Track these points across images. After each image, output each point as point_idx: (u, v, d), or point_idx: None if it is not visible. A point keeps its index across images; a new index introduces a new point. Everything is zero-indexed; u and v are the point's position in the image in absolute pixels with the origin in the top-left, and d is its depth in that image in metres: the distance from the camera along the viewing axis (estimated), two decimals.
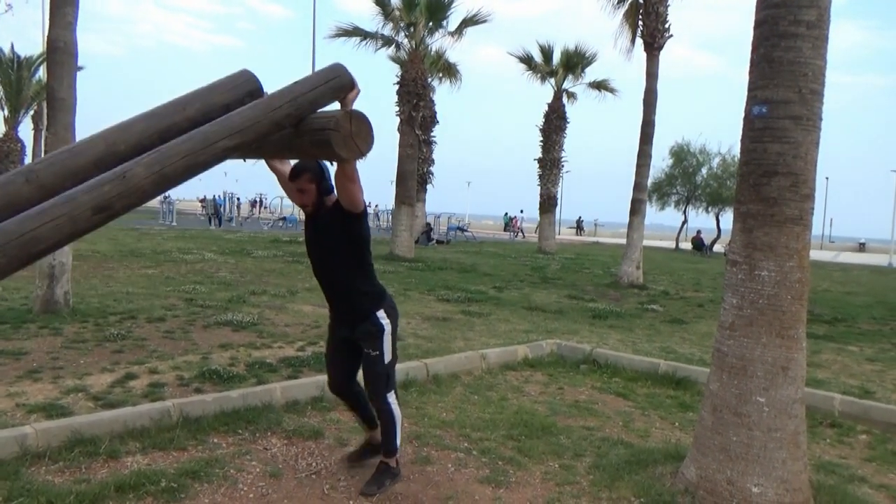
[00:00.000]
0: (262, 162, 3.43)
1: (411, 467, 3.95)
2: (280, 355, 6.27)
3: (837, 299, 14.45)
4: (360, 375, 3.73)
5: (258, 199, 50.56)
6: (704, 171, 33.04)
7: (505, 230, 42.97)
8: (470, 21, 19.47)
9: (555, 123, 25.81)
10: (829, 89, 3.58)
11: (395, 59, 22.02)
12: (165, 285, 10.28)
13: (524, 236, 39.79)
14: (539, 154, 26.19)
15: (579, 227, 53.88)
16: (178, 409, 4.33)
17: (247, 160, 2.96)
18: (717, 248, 32.67)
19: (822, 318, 10.99)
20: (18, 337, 6.47)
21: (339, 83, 2.69)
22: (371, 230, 3.87)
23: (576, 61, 25.08)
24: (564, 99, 26.02)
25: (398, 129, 19.04)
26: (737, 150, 4.68)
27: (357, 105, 2.79)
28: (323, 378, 4.03)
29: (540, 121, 26.14)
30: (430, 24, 18.94)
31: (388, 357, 3.55)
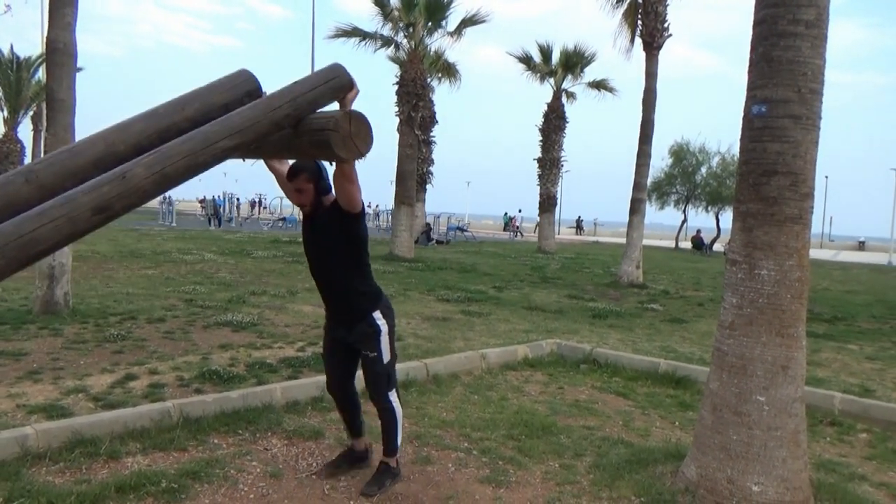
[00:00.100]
0: (261, 162, 3.43)
1: (412, 467, 3.95)
2: (280, 356, 6.27)
3: (837, 298, 14.46)
4: (360, 379, 3.73)
5: (258, 200, 50.57)
6: (704, 170, 33.09)
7: (505, 230, 42.99)
8: (469, 21, 19.48)
9: (554, 123, 25.81)
10: (828, 88, 3.59)
11: (395, 60, 22.03)
12: (165, 286, 10.28)
13: (522, 235, 39.82)
14: (538, 154, 26.20)
15: (579, 226, 53.91)
16: (178, 410, 4.33)
17: (246, 160, 2.96)
18: (717, 247, 32.69)
19: (822, 317, 10.99)
20: (18, 338, 6.47)
21: (338, 83, 2.69)
22: (371, 230, 3.87)
23: (575, 61, 25.08)
24: (564, 99, 26.03)
25: (397, 129, 19.04)
26: (736, 150, 4.68)
27: (356, 105, 2.79)
28: (323, 378, 4.03)
29: (539, 120, 26.17)
30: (429, 24, 18.94)
31: (386, 357, 3.55)
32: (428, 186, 28.10)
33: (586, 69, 25.46)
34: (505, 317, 9.37)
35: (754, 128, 3.59)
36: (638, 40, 15.79)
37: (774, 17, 3.51)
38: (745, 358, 3.56)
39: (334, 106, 2.75)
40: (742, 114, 3.69)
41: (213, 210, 32.35)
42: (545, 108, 26.10)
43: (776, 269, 3.50)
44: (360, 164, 3.18)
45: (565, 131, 26.21)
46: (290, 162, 3.41)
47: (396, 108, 19.15)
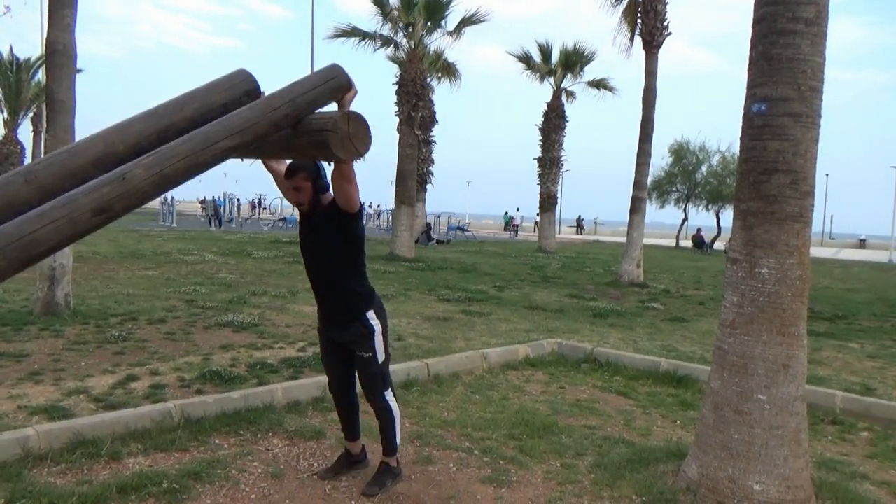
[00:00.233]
0: (261, 162, 3.43)
1: (413, 467, 3.95)
2: (281, 356, 6.27)
3: (838, 296, 14.45)
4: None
5: (258, 200, 50.58)
6: (704, 168, 33.10)
7: (505, 229, 43.01)
8: (468, 21, 19.47)
9: (554, 122, 25.81)
10: (828, 86, 3.58)
11: (394, 60, 22.03)
12: (166, 287, 10.28)
13: (517, 234, 39.84)
14: (539, 153, 26.20)
15: (579, 225, 53.91)
16: (179, 411, 4.34)
17: (245, 160, 2.97)
18: (718, 245, 32.69)
19: (823, 316, 10.99)
20: (19, 339, 6.47)
21: (336, 84, 2.69)
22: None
23: (574, 60, 25.08)
24: (563, 98, 26.03)
25: (397, 129, 19.04)
26: (736, 148, 4.68)
27: (357, 105, 2.79)
28: (324, 379, 4.04)
29: (539, 120, 26.18)
30: (429, 23, 18.93)
31: (381, 357, 3.55)
32: (428, 186, 28.11)
33: (586, 68, 25.49)
34: (506, 316, 9.37)
35: (754, 126, 3.58)
36: (638, 39, 15.79)
37: (774, 14, 3.51)
38: (746, 357, 3.56)
39: (333, 106, 2.76)
40: (742, 112, 3.69)
41: (214, 211, 32.37)
42: (545, 107, 26.11)
43: (777, 267, 3.50)
44: (360, 164, 3.19)
45: (565, 130, 26.22)
46: (288, 161, 3.41)
47: (396, 108, 19.16)
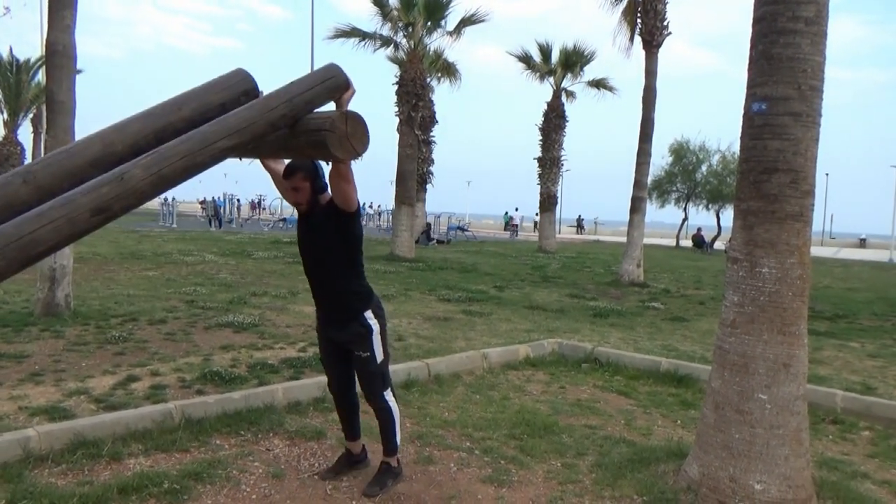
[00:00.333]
0: (259, 162, 3.43)
1: (414, 467, 3.95)
2: (281, 356, 6.27)
3: (838, 295, 14.45)
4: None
5: (258, 201, 50.57)
6: (704, 168, 33.10)
7: (505, 229, 43.02)
8: (468, 20, 19.47)
9: (554, 122, 25.80)
10: (828, 85, 3.58)
11: (394, 60, 22.03)
12: (166, 287, 10.29)
13: (517, 234, 39.85)
14: (539, 153, 26.19)
15: (579, 225, 53.91)
16: (180, 411, 4.33)
17: (243, 160, 2.97)
18: (718, 245, 32.68)
19: (824, 315, 10.98)
20: (20, 340, 6.47)
21: (334, 83, 2.69)
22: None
23: (574, 60, 25.07)
24: (563, 98, 26.01)
25: (397, 129, 19.04)
26: (736, 147, 4.68)
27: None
28: (324, 379, 4.04)
29: (539, 120, 26.17)
30: (429, 23, 18.93)
31: (379, 356, 3.55)
32: (428, 186, 28.09)
33: (586, 68, 25.47)
34: (506, 316, 9.37)
35: (754, 125, 3.58)
36: (637, 38, 15.79)
37: (774, 14, 3.50)
38: (746, 356, 3.56)
39: (331, 106, 2.75)
40: (742, 111, 3.69)
41: (214, 211, 32.37)
42: (545, 107, 26.10)
43: (777, 266, 3.50)
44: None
45: (565, 130, 26.21)
46: (286, 161, 3.41)
47: (396, 108, 19.16)
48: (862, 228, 64.56)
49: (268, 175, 3.57)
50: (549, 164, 26.00)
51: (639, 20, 15.63)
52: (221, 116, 2.35)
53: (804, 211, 3.52)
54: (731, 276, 3.70)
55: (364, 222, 37.42)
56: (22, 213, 1.94)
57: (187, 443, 4.06)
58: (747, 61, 3.66)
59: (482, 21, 19.56)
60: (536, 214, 28.49)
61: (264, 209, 48.85)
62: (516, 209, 43.91)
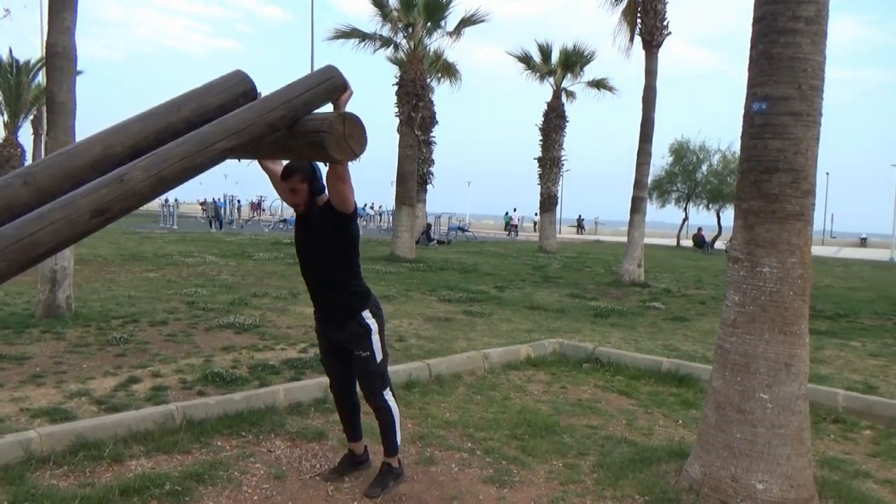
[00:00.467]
0: (257, 163, 3.44)
1: (415, 468, 3.95)
2: (282, 357, 6.27)
3: (839, 295, 14.44)
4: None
5: (258, 202, 50.56)
6: (704, 168, 33.10)
7: (505, 230, 43.02)
8: (468, 21, 19.46)
9: (554, 122, 25.79)
10: (828, 85, 3.58)
11: (394, 60, 22.03)
12: (167, 289, 10.29)
13: (517, 234, 39.87)
14: (539, 153, 26.19)
15: (580, 225, 53.89)
16: (181, 413, 4.33)
17: (242, 161, 2.97)
18: (719, 244, 32.65)
19: (825, 314, 10.97)
20: (21, 342, 6.47)
21: (332, 85, 2.70)
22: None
23: (574, 60, 25.06)
24: (563, 98, 26.01)
25: (398, 129, 19.04)
26: (737, 147, 4.68)
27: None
28: (326, 380, 4.04)
29: (539, 120, 26.16)
30: (429, 24, 18.92)
31: (378, 356, 3.56)
32: (428, 187, 28.10)
33: (586, 68, 25.45)
34: (507, 316, 9.37)
35: (755, 125, 3.58)
36: (637, 38, 15.78)
37: (774, 13, 3.50)
38: (748, 355, 3.55)
39: (329, 108, 2.76)
40: (742, 111, 3.69)
41: (214, 212, 32.36)
42: (545, 107, 26.09)
43: (778, 266, 3.49)
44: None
45: (565, 130, 26.20)
46: (284, 162, 3.42)
47: (396, 109, 19.15)
48: (863, 228, 64.53)
49: (266, 176, 3.58)
50: (550, 164, 25.99)
51: (639, 20, 15.63)
52: (220, 118, 2.35)
53: (805, 210, 3.52)
54: (732, 275, 3.70)
55: (364, 223, 37.47)
56: (22, 214, 1.94)
57: (189, 444, 4.06)
58: (747, 61, 3.66)
59: (482, 21, 19.57)
60: (536, 214, 28.47)
61: (263, 210, 48.86)
62: (514, 209, 43.94)
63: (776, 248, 3.50)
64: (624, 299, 12.13)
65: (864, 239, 51.51)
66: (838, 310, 11.63)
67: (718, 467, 3.58)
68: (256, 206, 47.82)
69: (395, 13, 18.70)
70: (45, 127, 8.93)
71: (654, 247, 28.41)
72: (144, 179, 2.07)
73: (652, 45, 15.13)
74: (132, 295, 9.48)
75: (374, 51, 19.81)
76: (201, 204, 43.36)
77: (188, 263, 13.93)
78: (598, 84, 25.57)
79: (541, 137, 26.09)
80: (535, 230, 38.04)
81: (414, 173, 19.41)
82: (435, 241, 26.12)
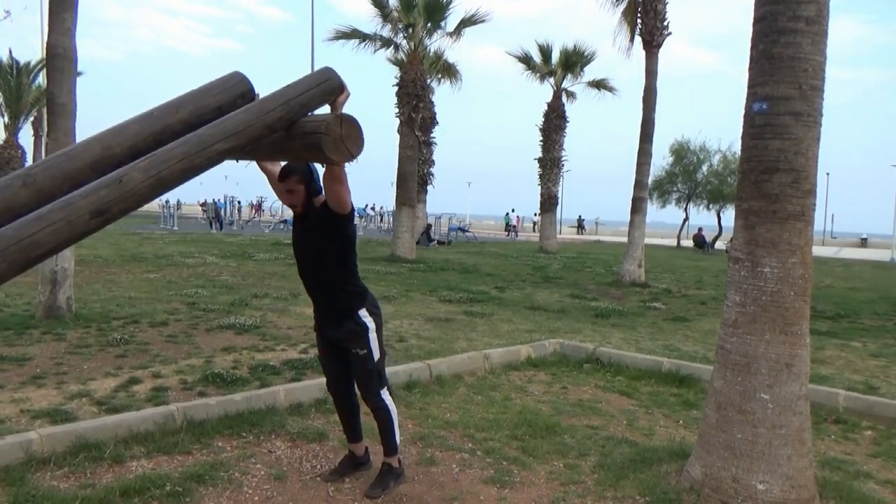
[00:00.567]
0: (255, 163, 3.46)
1: (416, 468, 3.94)
2: (283, 358, 6.27)
3: (840, 295, 14.43)
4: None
5: (258, 203, 50.54)
6: (705, 168, 33.09)
7: (505, 230, 43.03)
8: (468, 21, 19.47)
9: (554, 123, 25.80)
10: (828, 85, 3.58)
11: (394, 61, 22.03)
12: (168, 289, 10.29)
13: (516, 235, 39.88)
14: (539, 154, 26.19)
15: (580, 226, 53.88)
16: (182, 413, 4.33)
17: (239, 161, 2.99)
18: (719, 245, 32.65)
19: (825, 315, 10.97)
20: (22, 343, 6.47)
21: (329, 86, 2.71)
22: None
23: (574, 60, 25.06)
24: (564, 98, 26.01)
25: (398, 130, 19.04)
26: (737, 147, 4.67)
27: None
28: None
29: (540, 120, 26.16)
30: (429, 24, 18.93)
31: (376, 354, 3.57)
32: (429, 187, 28.11)
33: (586, 68, 25.47)
34: (507, 317, 9.37)
35: (755, 125, 3.58)
36: (638, 39, 15.78)
37: (775, 13, 3.50)
38: (748, 356, 3.55)
39: (326, 109, 2.77)
40: (743, 111, 3.69)
41: (215, 213, 32.37)
42: (545, 107, 26.10)
43: (779, 266, 3.49)
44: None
45: (566, 131, 26.21)
46: (282, 163, 3.44)
47: (396, 110, 19.16)
48: (863, 228, 64.53)
49: (265, 177, 3.60)
50: (550, 164, 25.99)
51: (639, 20, 15.63)
52: (218, 119, 2.36)
53: (805, 210, 3.51)
54: (732, 275, 3.69)
55: (365, 223, 37.47)
56: (22, 215, 1.95)
57: (189, 445, 4.05)
58: (748, 61, 3.66)
59: (482, 21, 19.57)
60: (535, 215, 28.45)
61: (262, 211, 48.87)
62: (512, 210, 43.96)
63: (777, 248, 3.49)
64: (624, 299, 12.12)
65: (865, 239, 51.48)
66: (839, 310, 11.62)
67: (719, 468, 3.58)
68: (257, 207, 47.87)
69: (395, 14, 18.71)
70: (45, 128, 8.93)
71: (654, 247, 28.40)
72: (143, 180, 2.08)
73: (652, 45, 15.13)
74: (132, 296, 9.48)
75: (375, 51, 19.84)
76: (202, 205, 43.36)
77: (188, 264, 13.93)
78: (599, 84, 25.57)
79: (541, 138, 26.09)
80: (534, 230, 38.02)
81: (414, 174, 19.41)
82: (435, 242, 26.12)
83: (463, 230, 34.04)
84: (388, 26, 19.12)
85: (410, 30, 18.97)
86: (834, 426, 5.13)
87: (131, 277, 11.60)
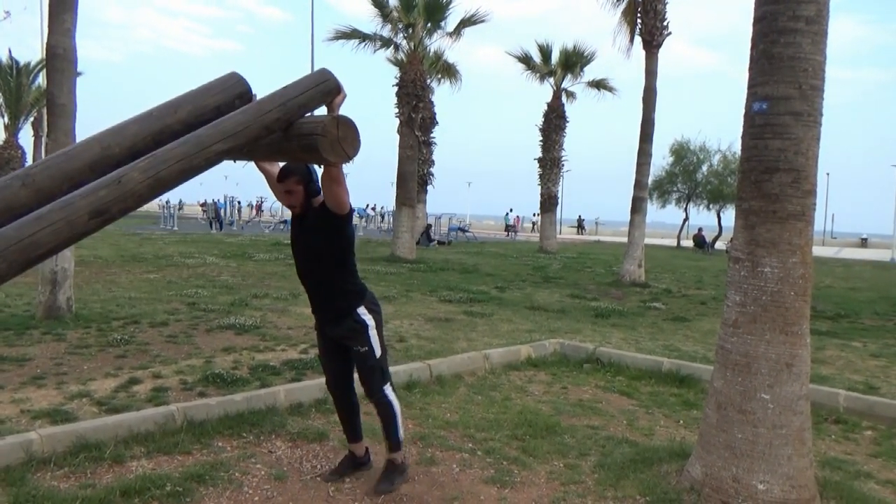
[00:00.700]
0: (253, 164, 3.47)
1: (416, 468, 3.94)
2: (283, 358, 6.27)
3: (840, 295, 14.43)
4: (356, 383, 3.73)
5: (258, 203, 50.55)
6: (705, 168, 33.10)
7: (506, 230, 43.04)
8: (468, 21, 19.47)
9: (554, 123, 25.79)
10: (828, 85, 3.58)
11: (394, 61, 22.04)
12: (168, 290, 10.29)
13: (516, 235, 39.90)
14: (539, 154, 26.19)
15: (580, 226, 53.88)
16: (182, 414, 4.33)
17: (237, 162, 3.00)
18: (719, 245, 32.65)
19: (826, 315, 10.96)
20: (22, 343, 6.47)
21: (326, 88, 2.73)
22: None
23: (574, 60, 25.06)
24: (564, 98, 26.01)
25: (398, 130, 19.04)
26: (737, 147, 4.67)
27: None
28: None
29: (539, 120, 26.16)
30: (429, 24, 18.93)
31: (377, 351, 3.58)
32: (429, 187, 28.10)
33: (586, 68, 25.47)
34: (507, 317, 9.37)
35: (755, 125, 3.58)
36: (638, 39, 15.78)
37: (774, 13, 3.50)
38: (749, 356, 3.55)
39: (323, 111, 2.78)
40: (743, 111, 3.68)
41: (215, 213, 32.38)
42: (545, 107, 26.09)
43: (779, 266, 3.49)
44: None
45: (566, 131, 26.20)
46: (281, 164, 3.45)
47: (396, 110, 19.16)
48: (863, 228, 64.55)
49: (263, 177, 3.62)
50: (550, 164, 25.99)
51: (639, 20, 15.63)
52: (217, 120, 2.37)
53: (806, 210, 3.51)
54: (733, 275, 3.69)
55: (364, 224, 37.45)
56: (21, 216, 1.95)
57: (189, 445, 4.05)
58: (748, 61, 3.66)
59: (482, 21, 19.58)
60: (534, 215, 28.44)
61: (262, 212, 48.87)
62: (510, 210, 43.96)
63: (777, 248, 3.49)
64: (624, 299, 12.12)
65: (865, 239, 51.48)
66: (839, 310, 11.62)
67: (720, 468, 3.58)
68: (257, 208, 47.87)
69: (395, 14, 18.71)
70: (45, 129, 8.94)
71: (654, 247, 28.40)
72: (142, 181, 2.08)
73: (652, 45, 15.13)
74: (133, 296, 9.48)
75: (374, 51, 19.85)
76: (202, 205, 43.37)
77: (188, 264, 13.93)
78: (599, 84, 25.57)
79: (541, 138, 26.09)
80: (533, 230, 37.96)
81: (414, 174, 19.41)
82: (435, 242, 26.12)
83: (463, 230, 34.03)
84: (388, 26, 19.13)
85: (410, 30, 18.97)
86: (834, 426, 5.13)
87: (131, 278, 11.60)
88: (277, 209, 45.22)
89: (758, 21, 3.61)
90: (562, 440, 4.50)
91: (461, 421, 4.80)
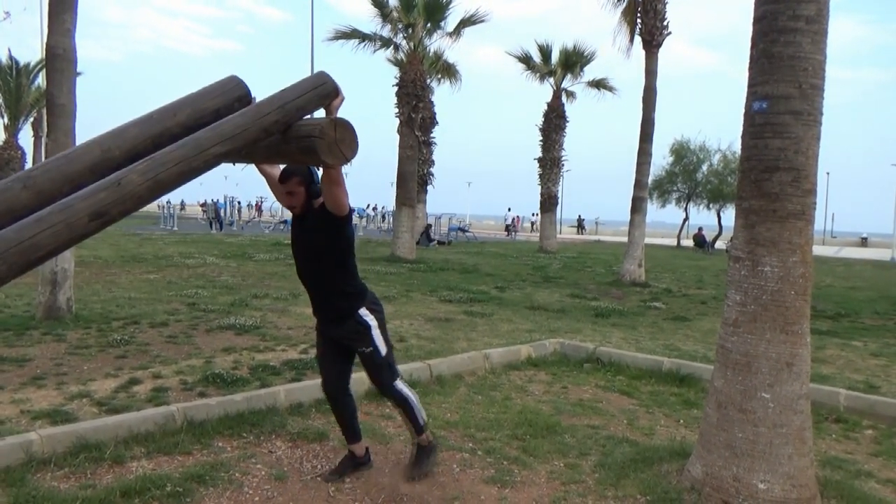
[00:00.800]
0: (254, 166, 3.48)
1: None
2: (283, 358, 6.27)
3: (840, 294, 14.43)
4: (359, 382, 3.73)
5: (258, 203, 50.54)
6: (705, 167, 33.10)
7: (506, 230, 43.05)
8: (468, 21, 19.48)
9: (554, 122, 25.80)
10: (828, 84, 3.58)
11: (394, 61, 22.04)
12: (168, 290, 10.29)
13: (516, 235, 39.92)
14: (539, 153, 26.19)
15: (580, 225, 53.88)
16: (182, 414, 4.33)
17: (236, 164, 3.00)
18: (719, 244, 32.65)
19: (826, 314, 10.96)
20: (22, 344, 6.47)
21: (324, 90, 2.74)
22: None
23: (574, 60, 25.07)
24: (564, 98, 26.01)
25: (398, 130, 19.04)
26: (737, 147, 4.68)
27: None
28: None
29: (539, 120, 26.17)
30: (429, 24, 18.93)
31: (383, 349, 3.60)
32: (429, 187, 28.11)
33: (586, 68, 25.48)
34: (507, 317, 9.37)
35: (755, 124, 3.58)
36: (638, 38, 15.78)
37: (775, 13, 3.50)
38: (749, 355, 3.55)
39: (322, 113, 2.79)
40: (743, 110, 3.68)
41: (215, 214, 32.40)
42: (545, 107, 26.10)
43: (779, 265, 3.49)
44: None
45: (566, 130, 26.21)
46: (282, 165, 3.46)
47: (396, 110, 19.16)
48: (863, 227, 64.59)
49: (263, 178, 3.63)
50: (550, 164, 26.00)
51: (639, 20, 15.63)
52: (216, 123, 2.38)
53: (806, 209, 3.51)
54: (733, 275, 3.69)
55: (364, 224, 37.45)
56: (22, 218, 1.96)
57: (189, 445, 4.05)
58: (748, 60, 3.66)
59: (482, 21, 19.58)
60: (534, 214, 28.46)
61: (262, 212, 48.86)
62: (509, 209, 43.95)
63: (777, 247, 3.49)
64: (625, 299, 12.12)
65: (865, 238, 51.49)
66: (839, 309, 11.62)
67: (720, 467, 3.58)
68: (257, 208, 47.87)
69: (395, 14, 18.71)
70: (45, 129, 8.94)
71: (654, 247, 28.41)
72: (142, 183, 2.09)
73: (652, 45, 15.13)
74: (133, 296, 9.48)
75: (374, 51, 19.85)
76: (202, 205, 43.38)
77: (188, 265, 13.93)
78: (598, 84, 25.57)
79: (541, 138, 26.10)
80: (532, 230, 37.93)
81: (414, 174, 19.41)
82: (435, 242, 26.12)
83: (463, 230, 34.03)
84: (388, 26, 19.13)
85: (410, 30, 18.97)
86: (835, 425, 5.13)
87: (131, 278, 11.60)
88: (277, 209, 45.24)
89: (758, 20, 3.61)
90: (562, 440, 4.50)
91: (461, 421, 4.80)
